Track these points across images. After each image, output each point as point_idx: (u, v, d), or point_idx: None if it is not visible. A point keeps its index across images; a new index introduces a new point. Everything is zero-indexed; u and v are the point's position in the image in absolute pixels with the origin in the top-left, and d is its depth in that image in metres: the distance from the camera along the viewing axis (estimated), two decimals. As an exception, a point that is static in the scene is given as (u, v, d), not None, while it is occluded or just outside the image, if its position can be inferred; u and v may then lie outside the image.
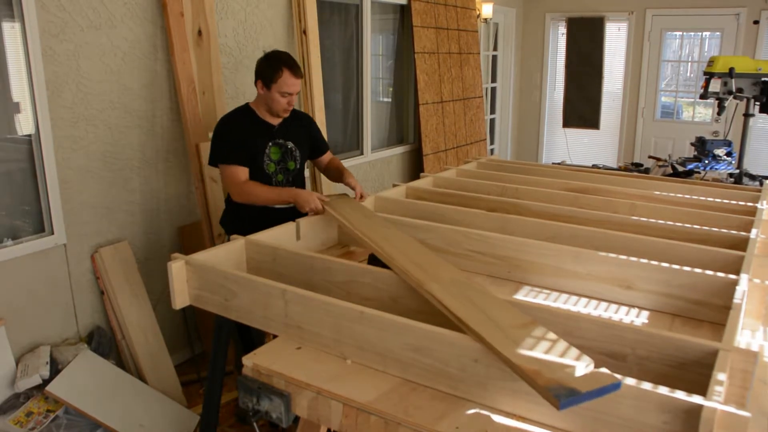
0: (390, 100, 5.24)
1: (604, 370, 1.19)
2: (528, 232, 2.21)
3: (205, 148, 3.06)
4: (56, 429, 2.35)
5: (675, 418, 1.11)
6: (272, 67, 2.45)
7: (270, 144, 2.58)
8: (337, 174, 2.76)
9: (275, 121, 2.60)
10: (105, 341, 2.76)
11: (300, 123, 2.72)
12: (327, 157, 2.85)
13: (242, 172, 2.49)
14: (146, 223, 3.05)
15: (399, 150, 5.18)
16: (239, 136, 2.52)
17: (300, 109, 3.96)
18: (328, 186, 3.96)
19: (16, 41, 2.45)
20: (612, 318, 1.74)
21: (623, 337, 1.40)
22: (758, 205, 2.59)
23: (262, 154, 2.55)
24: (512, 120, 7.53)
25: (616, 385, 1.14)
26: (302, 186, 2.74)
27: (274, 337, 1.66)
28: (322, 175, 3.92)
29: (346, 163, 4.51)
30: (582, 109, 7.10)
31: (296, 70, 2.47)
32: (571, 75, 7.09)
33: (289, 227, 2.22)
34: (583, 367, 1.20)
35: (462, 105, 5.57)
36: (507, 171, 3.37)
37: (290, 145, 2.63)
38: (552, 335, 1.33)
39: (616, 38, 6.94)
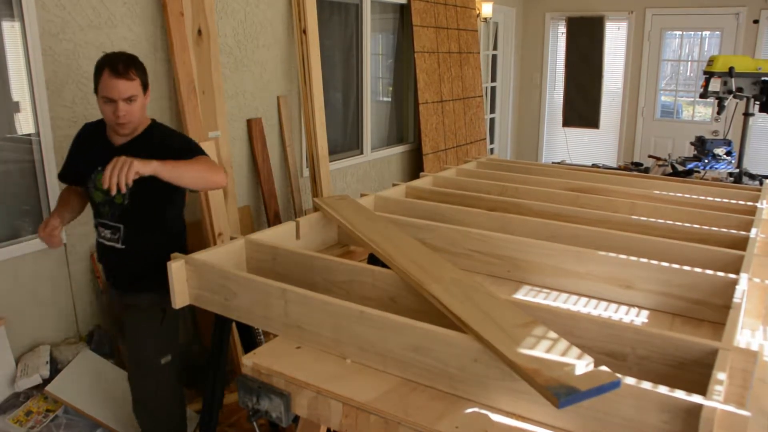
0: (390, 99, 5.24)
1: (603, 368, 1.19)
2: (528, 232, 2.21)
3: (205, 148, 3.06)
4: (56, 428, 2.35)
5: (675, 418, 1.11)
6: (96, 69, 1.98)
7: (100, 168, 2.06)
8: None
9: (120, 139, 2.08)
10: (105, 341, 2.76)
11: (154, 145, 2.07)
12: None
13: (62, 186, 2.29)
14: (146, 223, 3.05)
15: (399, 149, 5.18)
16: (74, 150, 2.20)
17: (300, 110, 3.97)
18: (328, 187, 3.96)
19: (16, 41, 2.46)
20: (612, 318, 1.74)
21: (623, 337, 1.40)
22: (758, 205, 2.59)
23: (88, 178, 2.12)
24: (512, 119, 7.53)
25: (616, 384, 1.14)
26: (144, 231, 2.14)
27: (263, 334, 1.66)
28: (322, 174, 3.92)
29: (346, 162, 4.52)
30: (582, 109, 7.10)
31: (118, 67, 1.93)
32: (571, 74, 7.09)
33: (289, 226, 2.22)
34: (582, 365, 1.20)
35: (462, 104, 5.57)
36: (507, 170, 3.37)
37: None
38: (553, 334, 1.33)
39: (615, 38, 6.94)
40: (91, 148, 2.14)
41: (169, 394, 2.22)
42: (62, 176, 2.27)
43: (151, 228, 2.15)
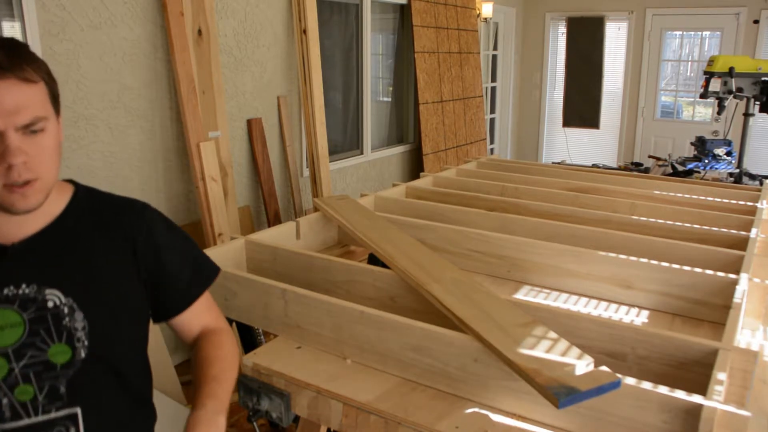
0: (390, 99, 5.24)
1: (603, 368, 1.19)
2: (528, 232, 2.21)
3: (206, 148, 3.06)
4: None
5: (675, 418, 1.11)
6: None
7: None
8: (197, 370, 1.17)
9: (16, 228, 0.99)
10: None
11: (108, 230, 1.08)
12: (193, 318, 1.30)
13: None
14: (146, 223, 3.04)
15: (399, 149, 5.18)
16: None
17: (300, 110, 3.97)
18: (328, 187, 3.97)
19: (16, 41, 2.46)
20: (612, 317, 1.74)
21: (623, 337, 1.40)
22: (758, 205, 2.59)
23: None
24: (512, 119, 7.53)
25: (616, 384, 1.14)
26: (118, 403, 1.08)
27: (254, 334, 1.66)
28: (322, 174, 3.92)
29: (346, 162, 4.51)
30: (582, 109, 7.10)
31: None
32: (571, 74, 7.10)
33: (289, 226, 2.22)
34: (583, 365, 1.20)
35: (462, 104, 5.57)
36: (507, 170, 3.37)
37: (54, 301, 0.99)
38: (553, 334, 1.33)
39: (616, 38, 6.94)
40: None
41: None
42: None
43: (125, 393, 1.10)
